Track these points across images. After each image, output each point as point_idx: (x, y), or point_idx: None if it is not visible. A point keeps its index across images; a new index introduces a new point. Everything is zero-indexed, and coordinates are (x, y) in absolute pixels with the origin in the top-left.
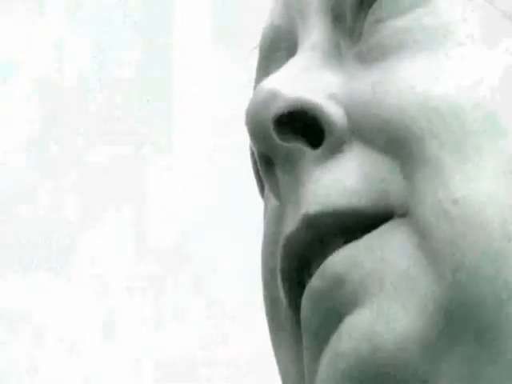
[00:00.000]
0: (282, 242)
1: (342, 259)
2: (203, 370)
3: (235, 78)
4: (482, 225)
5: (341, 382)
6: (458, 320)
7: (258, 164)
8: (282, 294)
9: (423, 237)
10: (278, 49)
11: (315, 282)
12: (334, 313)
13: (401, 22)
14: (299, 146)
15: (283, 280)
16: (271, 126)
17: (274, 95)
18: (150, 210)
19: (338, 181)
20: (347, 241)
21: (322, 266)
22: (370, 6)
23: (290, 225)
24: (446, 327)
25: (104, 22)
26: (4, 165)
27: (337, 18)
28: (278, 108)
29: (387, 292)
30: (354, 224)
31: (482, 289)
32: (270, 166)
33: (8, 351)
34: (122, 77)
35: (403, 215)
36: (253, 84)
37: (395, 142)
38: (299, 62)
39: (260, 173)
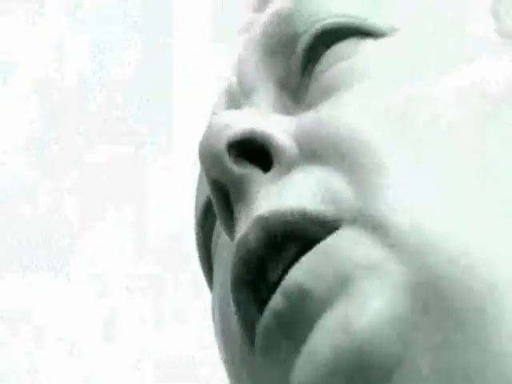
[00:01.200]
0: (234, 248)
1: (303, 273)
2: (203, 369)
3: None
4: (443, 214)
5: (321, 376)
6: (426, 295)
7: (212, 196)
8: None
9: (380, 231)
10: None
11: (279, 300)
12: (301, 327)
13: (342, 64)
14: (252, 171)
15: (233, 289)
16: (225, 153)
17: (227, 126)
18: (149, 210)
19: (287, 189)
20: (301, 249)
21: (282, 284)
22: (313, 67)
23: (242, 230)
24: (415, 303)
25: (104, 21)
26: (4, 165)
27: (282, 85)
28: (231, 136)
29: (355, 288)
30: (305, 228)
31: (444, 266)
32: (224, 198)
33: (8, 351)
34: (122, 77)
35: (352, 221)
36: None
37: (345, 155)
38: (250, 109)
39: (214, 207)
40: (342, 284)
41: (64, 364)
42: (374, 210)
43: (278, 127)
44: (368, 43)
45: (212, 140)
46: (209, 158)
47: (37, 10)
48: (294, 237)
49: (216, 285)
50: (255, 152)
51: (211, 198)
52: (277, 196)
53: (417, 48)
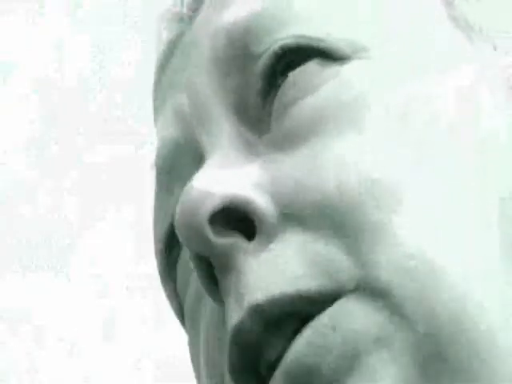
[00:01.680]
0: (229, 334)
1: (306, 348)
2: None
3: None
4: (442, 272)
5: None
6: (433, 362)
7: (195, 267)
8: None
9: (386, 297)
10: (180, 163)
11: (283, 377)
12: None
13: (312, 100)
14: (235, 241)
15: (232, 372)
16: (206, 225)
17: (206, 194)
18: (150, 210)
19: (279, 268)
20: (299, 325)
21: (285, 360)
22: (275, 93)
23: (235, 317)
24: (424, 372)
25: (104, 21)
26: (4, 165)
27: (240, 112)
28: (211, 206)
29: (363, 364)
30: (303, 308)
31: (453, 331)
32: (206, 266)
33: (8, 351)
34: (122, 77)
35: (354, 290)
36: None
37: (334, 218)
38: (215, 161)
39: (198, 277)
40: (351, 358)
41: (64, 364)
42: (375, 277)
43: (253, 185)
44: (334, 70)
45: (191, 211)
46: (189, 232)
47: (37, 10)
48: (292, 316)
49: (197, 331)
50: (236, 217)
51: (194, 268)
52: (267, 276)
53: (414, 52)
